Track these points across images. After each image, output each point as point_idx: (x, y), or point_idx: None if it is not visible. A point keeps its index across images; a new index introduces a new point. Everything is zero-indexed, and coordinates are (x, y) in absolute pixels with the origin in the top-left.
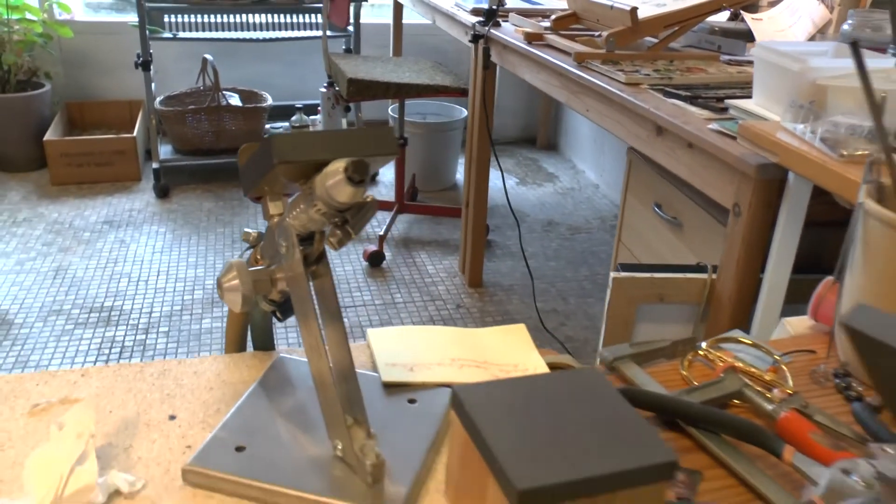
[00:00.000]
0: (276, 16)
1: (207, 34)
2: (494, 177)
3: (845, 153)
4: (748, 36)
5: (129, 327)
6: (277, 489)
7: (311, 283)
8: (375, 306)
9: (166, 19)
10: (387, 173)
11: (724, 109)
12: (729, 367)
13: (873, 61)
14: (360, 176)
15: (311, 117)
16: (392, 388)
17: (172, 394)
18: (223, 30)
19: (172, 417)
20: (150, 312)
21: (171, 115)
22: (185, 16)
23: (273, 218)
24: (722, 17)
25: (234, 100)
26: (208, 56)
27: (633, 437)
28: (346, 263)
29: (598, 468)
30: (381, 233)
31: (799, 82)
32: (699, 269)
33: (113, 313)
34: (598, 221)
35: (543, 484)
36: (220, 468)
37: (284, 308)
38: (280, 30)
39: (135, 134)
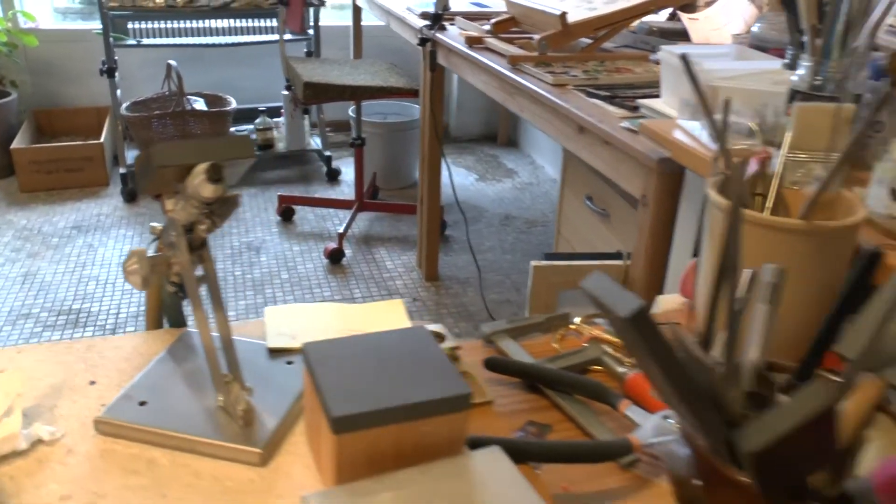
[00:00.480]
0: (238, 21)
1: (171, 40)
2: (455, 173)
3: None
4: (685, 36)
5: (96, 328)
6: (169, 433)
7: (199, 266)
8: (335, 302)
9: (130, 26)
10: (348, 173)
11: (637, 108)
12: (592, 338)
13: (765, 63)
14: (217, 176)
15: (275, 120)
16: (277, 352)
17: (95, 364)
18: (187, 35)
19: (93, 383)
20: (118, 313)
21: (137, 121)
22: (149, 22)
23: (170, 212)
24: (662, 17)
25: (199, 104)
26: (172, 62)
27: (439, 377)
28: (307, 261)
29: (403, 399)
30: (341, 230)
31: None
32: (616, 256)
33: (81, 315)
34: (554, 215)
35: (355, 412)
36: (125, 418)
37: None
38: (243, 34)
39: (102, 140)
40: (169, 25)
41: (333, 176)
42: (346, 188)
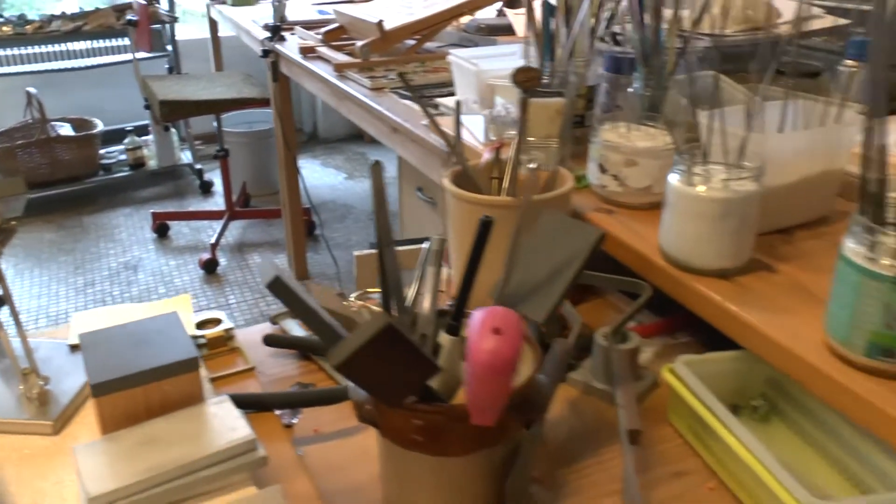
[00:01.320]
0: (94, 42)
1: (26, 67)
2: (325, 174)
3: (492, 138)
4: (512, 31)
5: None
6: None
7: None
8: (211, 311)
9: None
10: (220, 184)
11: (437, 106)
12: (361, 308)
13: None
14: None
15: (144, 138)
16: (76, 348)
17: None
18: (43, 61)
19: None
20: None
21: (1, 152)
22: (1, 50)
23: None
24: (491, 14)
25: (65, 129)
26: (31, 89)
27: (176, 348)
28: (183, 274)
29: (144, 366)
30: (213, 241)
31: (476, 81)
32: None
33: None
34: None
35: (107, 378)
36: None
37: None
38: (101, 55)
39: None
40: (24, 52)
41: (206, 188)
42: (219, 199)
